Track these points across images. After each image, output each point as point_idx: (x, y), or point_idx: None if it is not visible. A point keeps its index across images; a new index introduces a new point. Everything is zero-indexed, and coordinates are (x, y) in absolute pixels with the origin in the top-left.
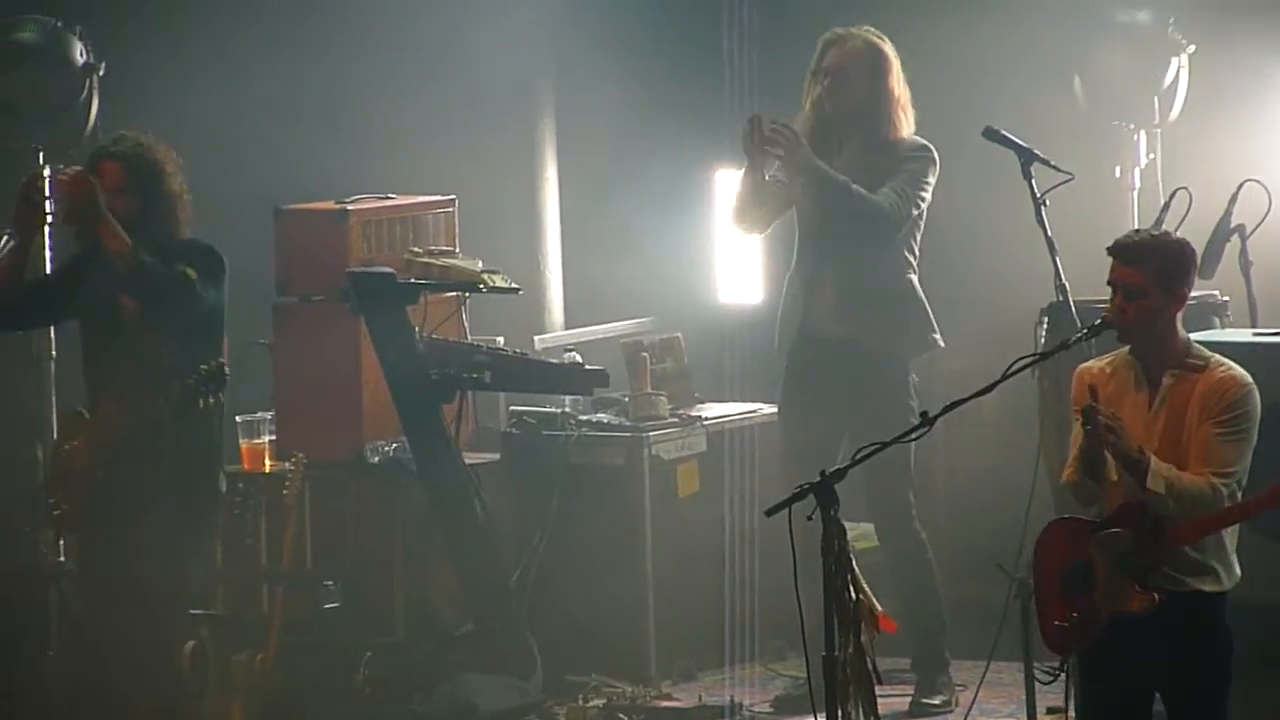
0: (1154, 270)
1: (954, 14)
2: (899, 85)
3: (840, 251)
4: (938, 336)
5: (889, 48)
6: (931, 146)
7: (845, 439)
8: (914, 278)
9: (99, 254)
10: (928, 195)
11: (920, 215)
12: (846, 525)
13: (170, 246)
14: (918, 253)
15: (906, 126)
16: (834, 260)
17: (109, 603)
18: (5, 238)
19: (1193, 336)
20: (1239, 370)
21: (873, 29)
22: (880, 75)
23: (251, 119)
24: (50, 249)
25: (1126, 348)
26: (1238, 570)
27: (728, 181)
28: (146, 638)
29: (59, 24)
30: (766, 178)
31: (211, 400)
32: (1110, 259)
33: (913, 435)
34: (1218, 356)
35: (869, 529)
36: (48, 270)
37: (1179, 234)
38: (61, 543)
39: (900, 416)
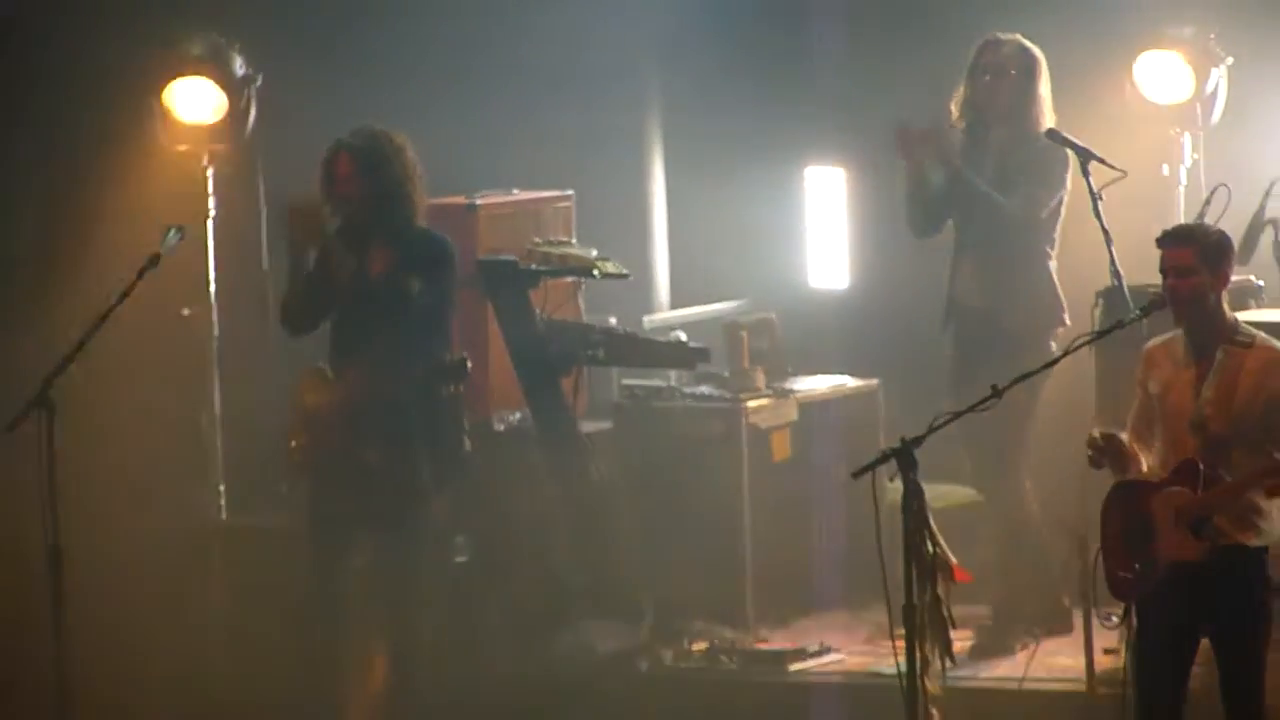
0: (1200, 251)
1: (1022, 27)
2: (1045, 86)
3: (981, 237)
4: (1065, 315)
5: (1039, 51)
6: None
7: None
8: (1051, 263)
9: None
10: (1063, 191)
11: (1060, 205)
12: (943, 487)
13: (404, 234)
14: (1055, 240)
15: (1049, 121)
16: (975, 244)
17: (331, 541)
18: (173, 230)
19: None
20: None
21: (1023, 35)
22: (1032, 76)
23: (390, 120)
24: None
25: (1180, 329)
26: None
27: (817, 177)
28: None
29: (222, 40)
30: (926, 180)
31: (453, 389)
32: (1160, 250)
33: (983, 405)
34: (1263, 335)
35: (949, 489)
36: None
37: (1218, 225)
38: (224, 499)
39: (1026, 388)
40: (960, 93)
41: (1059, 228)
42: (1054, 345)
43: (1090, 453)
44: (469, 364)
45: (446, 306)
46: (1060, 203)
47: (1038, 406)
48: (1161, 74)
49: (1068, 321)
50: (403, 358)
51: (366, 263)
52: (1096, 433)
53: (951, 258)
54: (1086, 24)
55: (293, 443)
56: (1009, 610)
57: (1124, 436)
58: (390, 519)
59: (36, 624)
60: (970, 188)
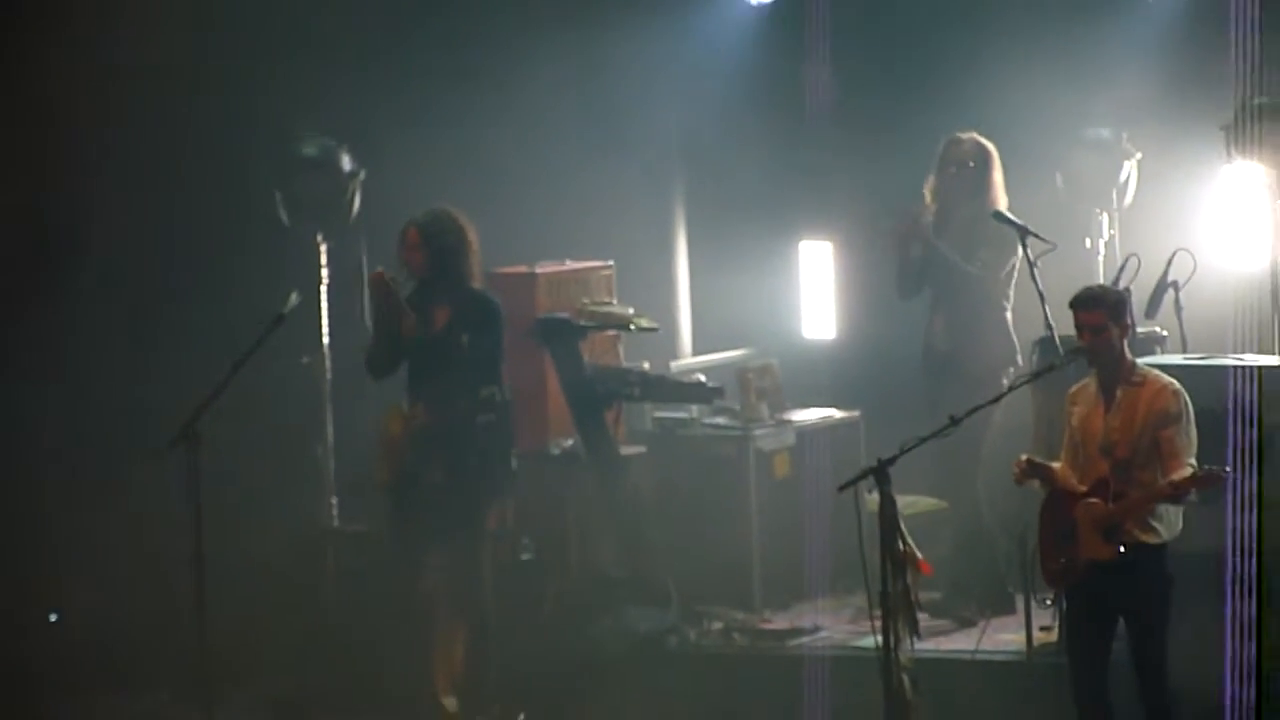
0: (1108, 311)
1: (977, 125)
2: (998, 173)
3: (950, 296)
4: (1018, 356)
5: (993, 147)
6: (1015, 219)
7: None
8: (1007, 315)
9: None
10: (1014, 258)
11: (1013, 269)
12: (911, 498)
13: (459, 293)
14: (1011, 296)
15: (1002, 203)
16: (945, 302)
17: (409, 544)
18: (294, 293)
19: (1142, 360)
20: (1169, 379)
21: (978, 132)
22: (988, 167)
23: (467, 202)
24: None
25: (1093, 371)
26: (1179, 526)
27: (809, 248)
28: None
29: (333, 141)
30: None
31: (491, 417)
32: (1074, 312)
33: (944, 432)
34: (1155, 372)
35: (916, 499)
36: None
37: (1127, 287)
38: (335, 509)
39: (982, 416)
40: (931, 180)
41: (1013, 286)
42: (1005, 381)
43: (1015, 471)
44: (509, 399)
45: (495, 354)
46: (1014, 267)
47: (989, 431)
48: (1084, 167)
49: (1020, 361)
50: (457, 395)
51: (431, 318)
52: (1023, 458)
53: (928, 313)
54: (1025, 126)
55: (378, 465)
56: (959, 589)
57: (1054, 465)
58: (450, 527)
59: (181, 615)
60: (942, 258)
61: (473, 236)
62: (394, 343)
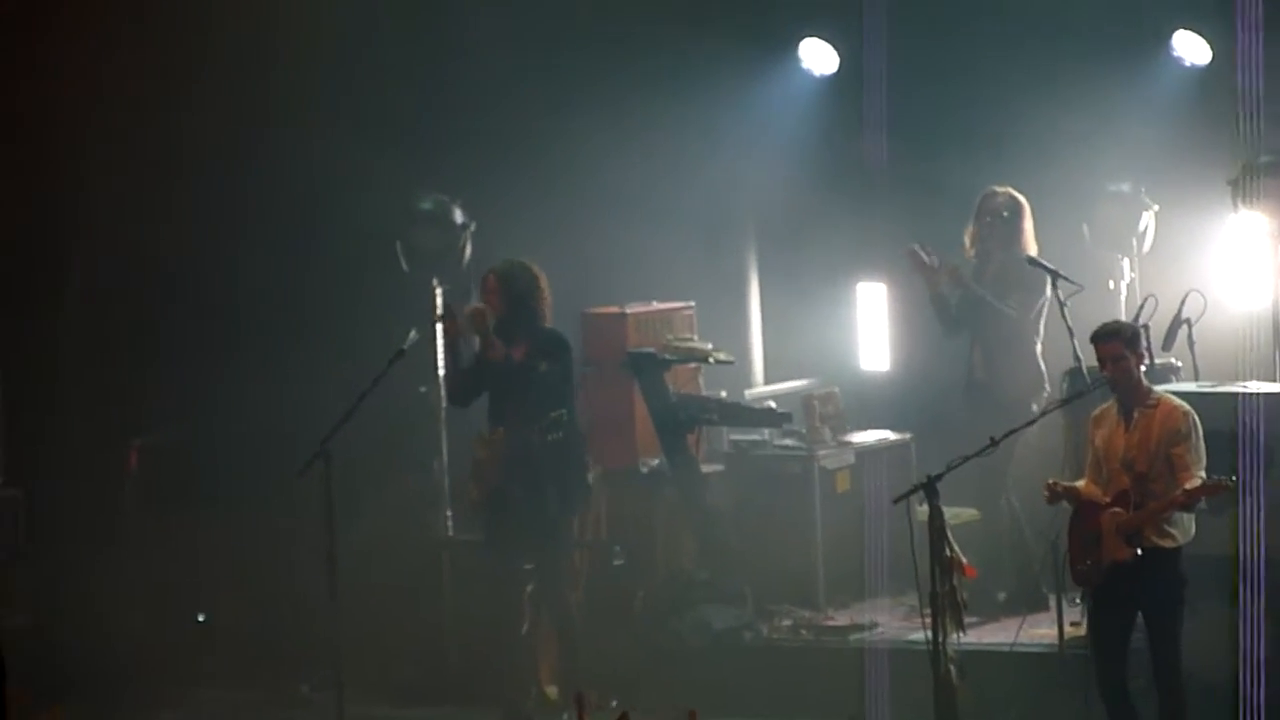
0: (1125, 341)
1: (1012, 179)
2: (1029, 223)
3: (987, 332)
4: (1046, 384)
5: (1024, 199)
6: (1046, 264)
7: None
8: (1038, 348)
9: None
10: (1044, 298)
11: (1043, 307)
12: (957, 509)
13: (532, 333)
14: (1041, 331)
15: (1033, 249)
16: (983, 337)
17: (498, 558)
18: (413, 331)
19: (1159, 387)
20: (1179, 402)
21: (1012, 187)
22: (1019, 217)
23: (564, 251)
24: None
25: (1114, 395)
26: (1192, 531)
27: (866, 289)
28: (526, 585)
29: (446, 198)
30: (942, 291)
31: (559, 435)
32: (1095, 345)
33: (985, 451)
34: (1167, 395)
35: (961, 511)
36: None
37: (1145, 323)
38: (450, 520)
39: (1014, 437)
40: (971, 229)
41: (1043, 323)
42: (1035, 407)
43: (1045, 493)
44: (576, 420)
45: (563, 381)
46: (1043, 306)
47: (1020, 450)
48: (1107, 218)
49: (1048, 390)
50: (532, 418)
51: (509, 351)
52: (1051, 481)
53: (968, 348)
54: (1056, 182)
55: (469, 486)
56: (990, 582)
57: (1079, 484)
58: (533, 535)
59: (316, 615)
60: (980, 301)
61: (544, 283)
62: (476, 372)
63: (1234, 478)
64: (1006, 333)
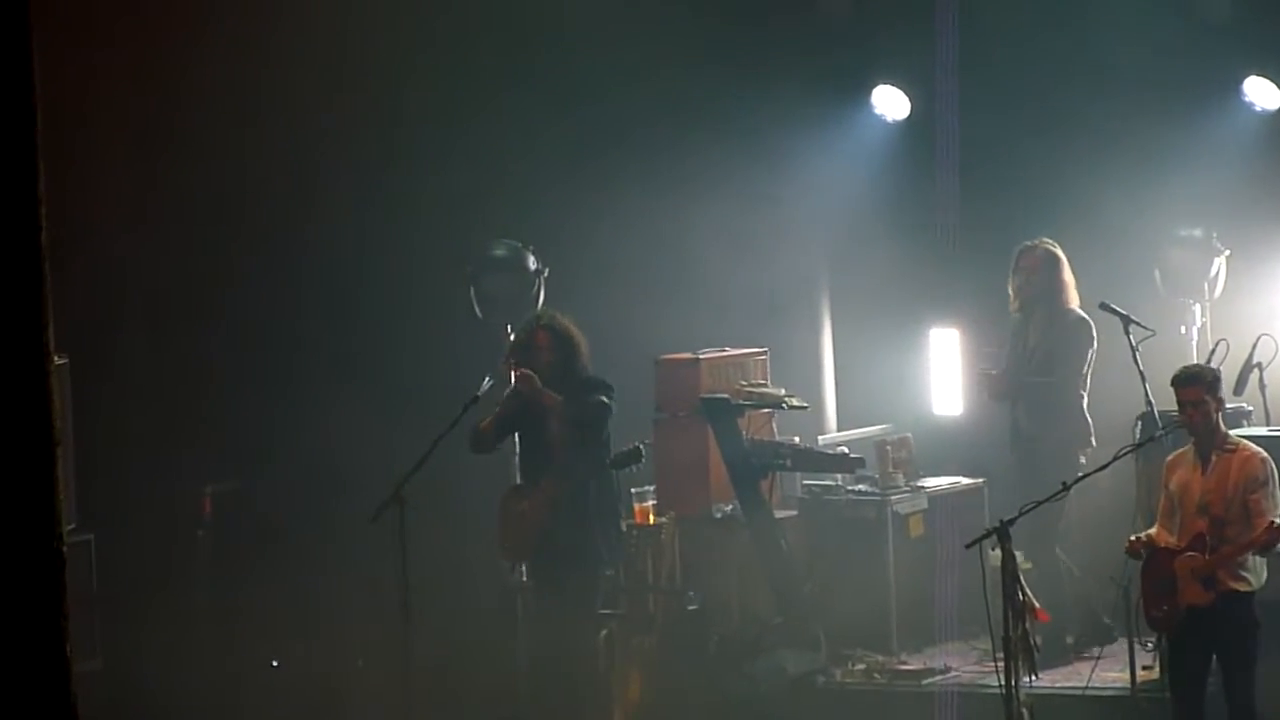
0: (1206, 387)
1: (1073, 231)
2: (1068, 274)
3: (1033, 390)
4: (1093, 438)
5: (1060, 251)
6: (1088, 318)
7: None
8: (1083, 401)
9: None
10: (1090, 352)
11: (1088, 362)
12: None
13: (579, 379)
14: (1087, 382)
15: (1074, 301)
16: (1029, 393)
17: (552, 603)
18: (487, 377)
19: (1232, 431)
20: (1257, 448)
21: (1048, 239)
22: (1056, 269)
23: (639, 298)
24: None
25: (1191, 441)
26: (1264, 576)
27: (939, 335)
28: (577, 629)
29: (519, 244)
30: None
31: (639, 466)
32: (1175, 389)
33: (1057, 496)
34: (1245, 441)
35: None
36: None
37: (1217, 366)
38: (524, 566)
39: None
40: (1012, 284)
41: (1090, 375)
42: (1083, 459)
43: (1127, 548)
44: (610, 466)
45: (603, 423)
46: (1092, 358)
47: (1090, 496)
48: (1179, 263)
49: (1094, 443)
50: (577, 464)
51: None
52: (1134, 539)
53: (1014, 398)
54: (1127, 228)
55: (502, 541)
56: (1057, 627)
57: (1151, 532)
58: (574, 579)
59: (390, 657)
60: (1030, 387)
61: (581, 336)
62: (506, 427)
63: None
64: (1053, 391)
